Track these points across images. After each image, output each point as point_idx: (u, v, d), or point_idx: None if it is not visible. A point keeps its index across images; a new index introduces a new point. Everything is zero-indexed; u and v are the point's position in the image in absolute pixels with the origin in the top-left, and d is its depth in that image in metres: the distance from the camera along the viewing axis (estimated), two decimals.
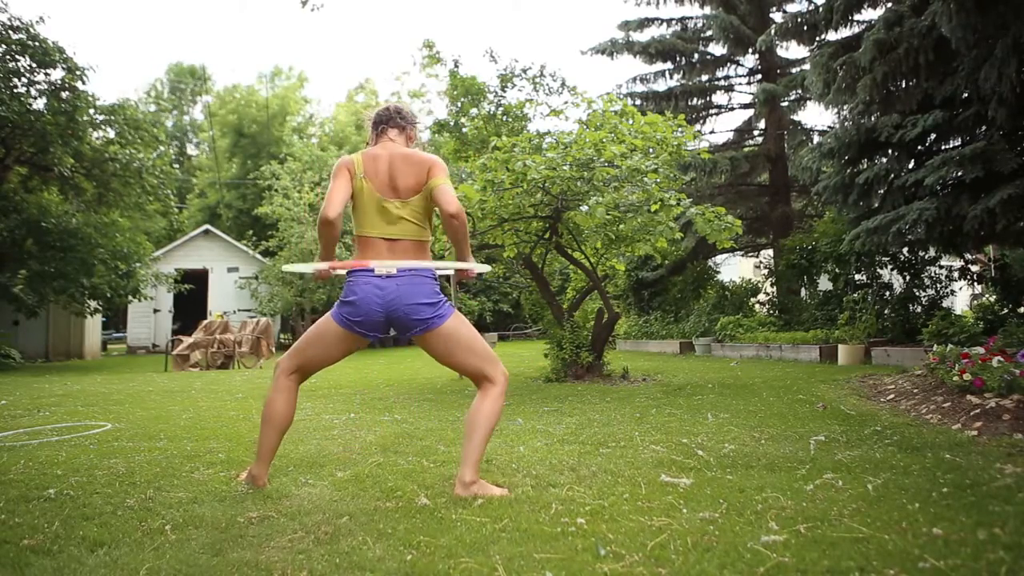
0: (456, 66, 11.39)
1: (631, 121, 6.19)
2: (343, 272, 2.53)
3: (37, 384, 7.60)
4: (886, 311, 8.39)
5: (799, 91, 11.37)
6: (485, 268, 2.90)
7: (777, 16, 12.05)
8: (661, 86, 12.36)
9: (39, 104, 11.55)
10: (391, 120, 2.68)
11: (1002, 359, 3.86)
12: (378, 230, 2.51)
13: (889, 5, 6.64)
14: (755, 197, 12.72)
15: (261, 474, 2.58)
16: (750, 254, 14.30)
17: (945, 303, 8.34)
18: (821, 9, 8.26)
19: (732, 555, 1.72)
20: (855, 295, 8.78)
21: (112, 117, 12.29)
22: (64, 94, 11.34)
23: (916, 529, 1.87)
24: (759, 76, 12.44)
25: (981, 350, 4.23)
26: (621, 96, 10.83)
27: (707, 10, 12.37)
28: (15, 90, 11.03)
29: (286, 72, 31.58)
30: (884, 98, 6.37)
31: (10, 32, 10.85)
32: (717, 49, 12.54)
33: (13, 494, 2.50)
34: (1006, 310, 7.24)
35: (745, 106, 12.86)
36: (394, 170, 2.53)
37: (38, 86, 11.44)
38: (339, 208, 2.49)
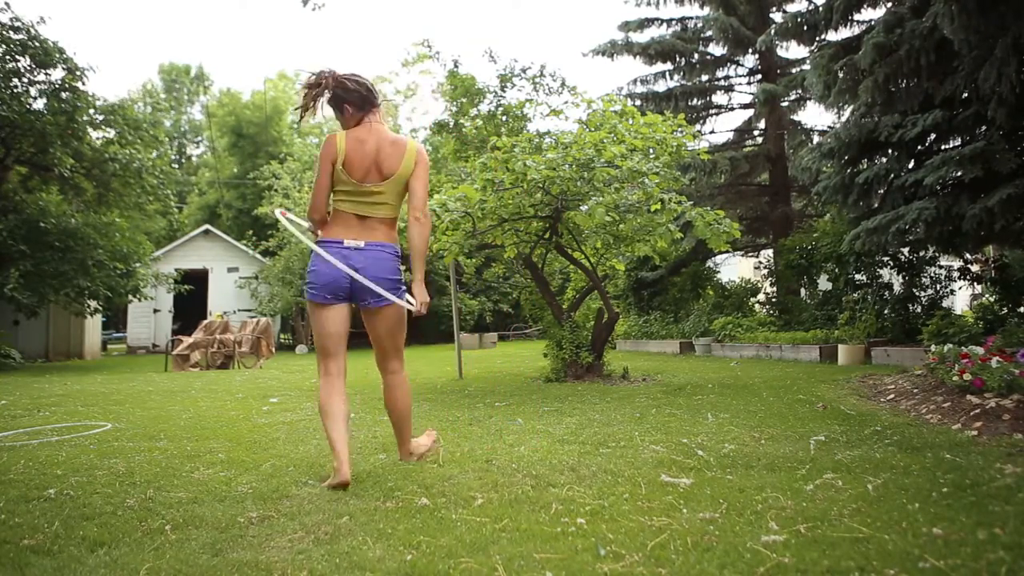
0: (456, 66, 11.38)
1: (631, 121, 6.18)
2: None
3: (37, 384, 7.59)
4: (886, 311, 8.39)
5: (799, 91, 11.37)
6: (410, 306, 2.75)
7: (777, 16, 12.04)
8: (661, 87, 12.35)
9: (39, 104, 11.55)
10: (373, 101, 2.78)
11: (1001, 359, 3.86)
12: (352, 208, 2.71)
13: (889, 5, 6.64)
14: (755, 197, 12.72)
15: (341, 467, 2.48)
16: (750, 254, 14.29)
17: (945, 303, 8.34)
18: (821, 9, 8.26)
19: (732, 555, 1.72)
20: (855, 295, 8.77)
21: (112, 117, 12.29)
22: (64, 94, 11.33)
23: (916, 529, 1.87)
24: (759, 76, 12.44)
25: (981, 350, 4.22)
26: (621, 97, 10.84)
27: (707, 11, 12.35)
28: (15, 90, 11.03)
29: (290, 77, 31.58)
30: (885, 99, 6.37)
31: (10, 32, 10.84)
32: (717, 49, 12.53)
33: (13, 494, 2.50)
34: (1006, 310, 7.24)
35: (745, 106, 12.86)
36: (381, 154, 2.69)
37: (38, 86, 11.44)
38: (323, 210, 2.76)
